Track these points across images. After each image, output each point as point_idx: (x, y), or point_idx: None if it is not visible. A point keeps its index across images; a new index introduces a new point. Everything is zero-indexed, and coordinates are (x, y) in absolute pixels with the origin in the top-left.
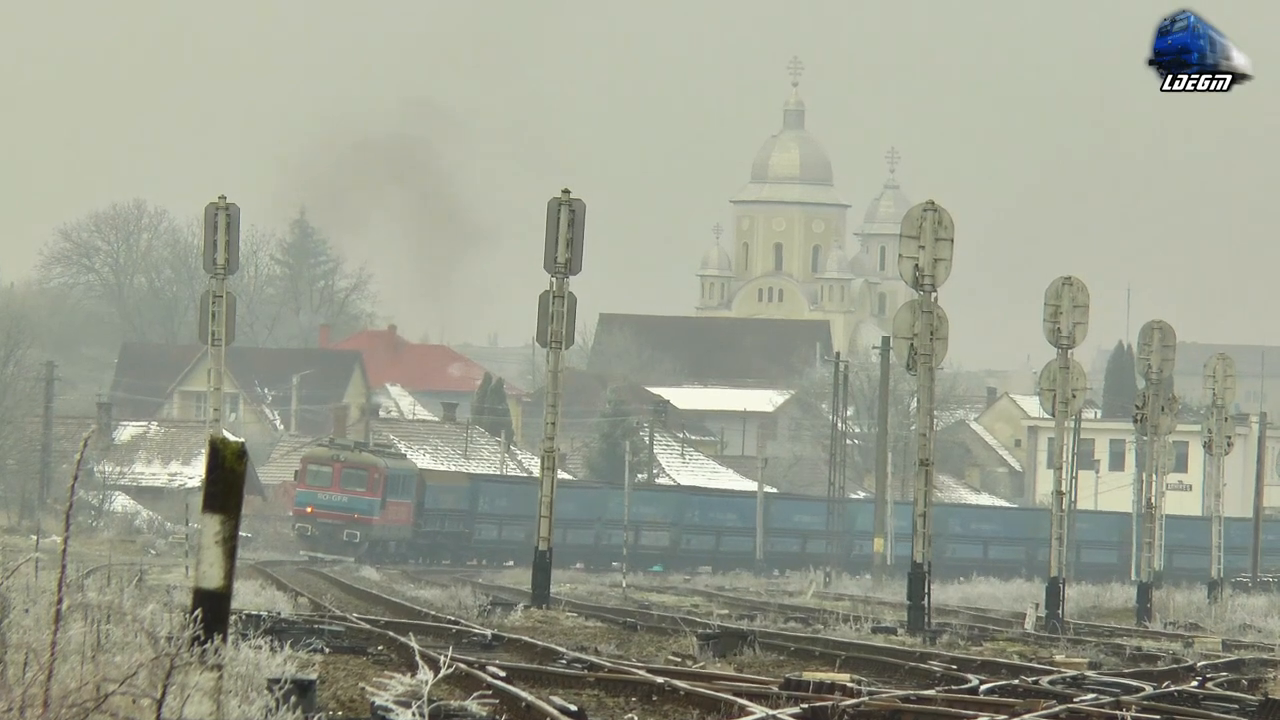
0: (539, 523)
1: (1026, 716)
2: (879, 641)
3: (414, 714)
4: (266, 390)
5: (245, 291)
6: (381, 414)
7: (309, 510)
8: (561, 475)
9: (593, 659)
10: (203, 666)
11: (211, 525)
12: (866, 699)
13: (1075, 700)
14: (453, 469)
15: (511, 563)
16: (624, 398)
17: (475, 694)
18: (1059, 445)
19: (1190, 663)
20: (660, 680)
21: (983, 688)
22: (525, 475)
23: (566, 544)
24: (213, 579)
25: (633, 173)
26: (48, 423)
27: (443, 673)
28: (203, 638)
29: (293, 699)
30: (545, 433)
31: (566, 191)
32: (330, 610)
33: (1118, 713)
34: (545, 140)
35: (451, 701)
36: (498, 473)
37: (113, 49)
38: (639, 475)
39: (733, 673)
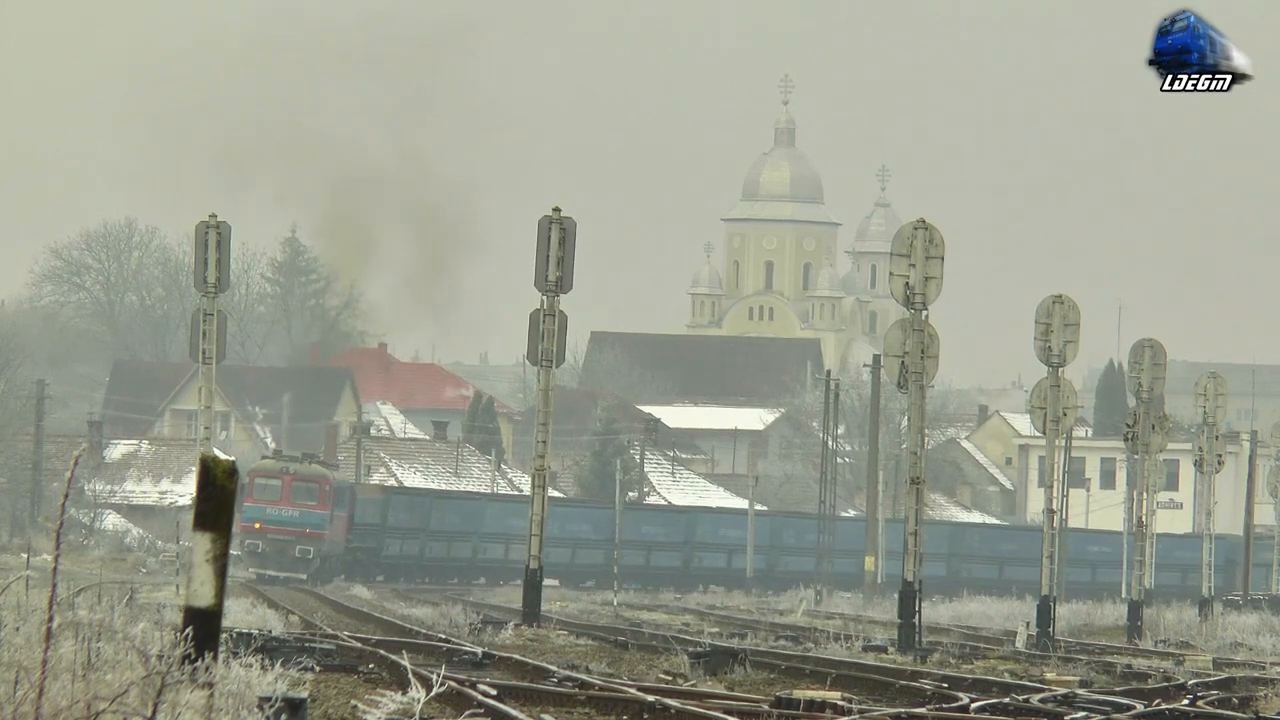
0: (529, 540)
1: None
2: (870, 659)
3: None
4: (257, 408)
5: (236, 309)
6: (372, 432)
7: (257, 526)
8: (552, 493)
9: (584, 677)
10: (194, 685)
11: (202, 543)
12: (858, 717)
13: (1066, 718)
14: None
15: (389, 578)
16: (615, 416)
17: (467, 712)
18: (1050, 463)
19: (1181, 681)
20: (651, 698)
21: (974, 706)
22: (434, 489)
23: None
24: (204, 597)
25: (624, 191)
26: (39, 441)
27: (435, 691)
28: (194, 656)
29: (284, 717)
30: (536, 451)
31: (557, 209)
32: (321, 628)
33: None
34: (536, 157)
35: None
36: (448, 487)
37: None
38: (630, 494)
39: (724, 691)
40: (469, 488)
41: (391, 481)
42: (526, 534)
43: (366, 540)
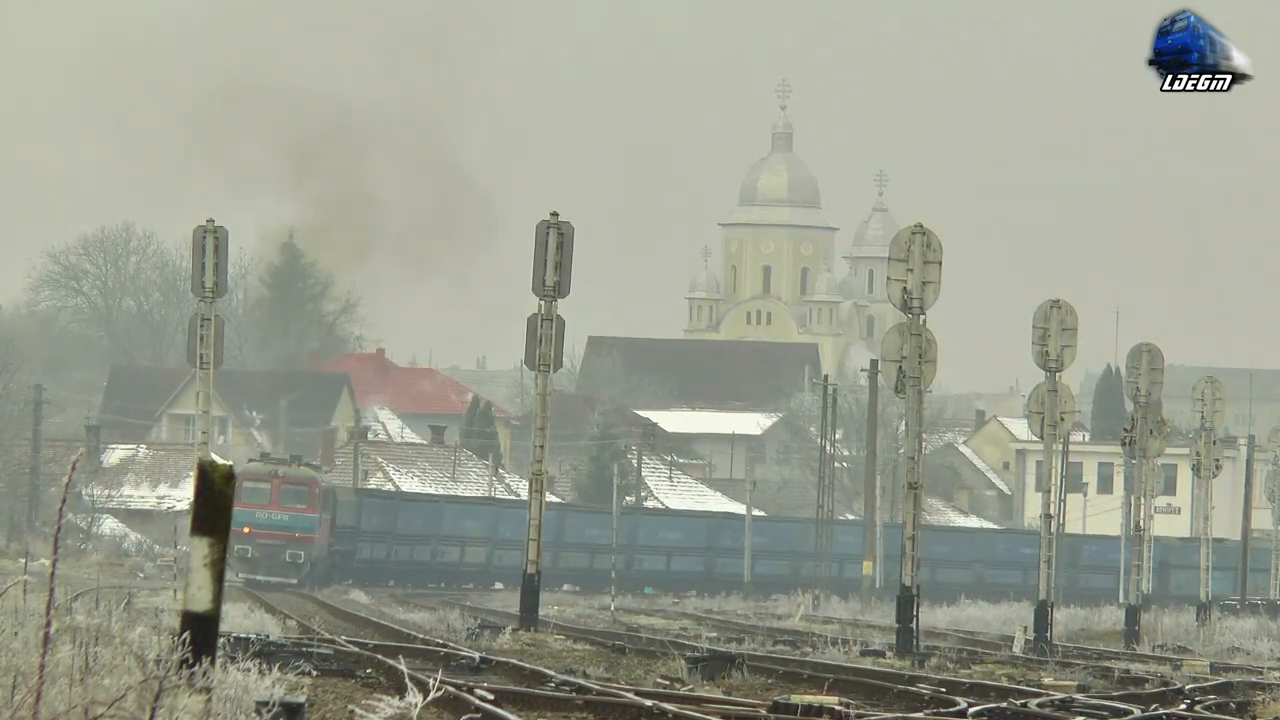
0: (527, 545)
1: None
2: (868, 664)
3: None
4: (255, 413)
5: (234, 314)
6: (370, 437)
7: (246, 530)
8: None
9: (581, 681)
10: (191, 689)
11: (200, 548)
12: None
13: None
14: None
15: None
16: (612, 420)
17: (464, 717)
18: (1047, 468)
19: (1179, 685)
20: (649, 703)
21: (971, 710)
22: (401, 491)
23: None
24: (201, 601)
25: (621, 195)
26: (36, 446)
27: (432, 695)
28: (191, 660)
29: None
30: (534, 455)
31: (555, 214)
32: (319, 633)
33: None
34: (534, 160)
35: None
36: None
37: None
38: (627, 498)
39: (721, 695)
40: (467, 492)
41: (389, 487)
42: (482, 537)
43: (344, 543)
